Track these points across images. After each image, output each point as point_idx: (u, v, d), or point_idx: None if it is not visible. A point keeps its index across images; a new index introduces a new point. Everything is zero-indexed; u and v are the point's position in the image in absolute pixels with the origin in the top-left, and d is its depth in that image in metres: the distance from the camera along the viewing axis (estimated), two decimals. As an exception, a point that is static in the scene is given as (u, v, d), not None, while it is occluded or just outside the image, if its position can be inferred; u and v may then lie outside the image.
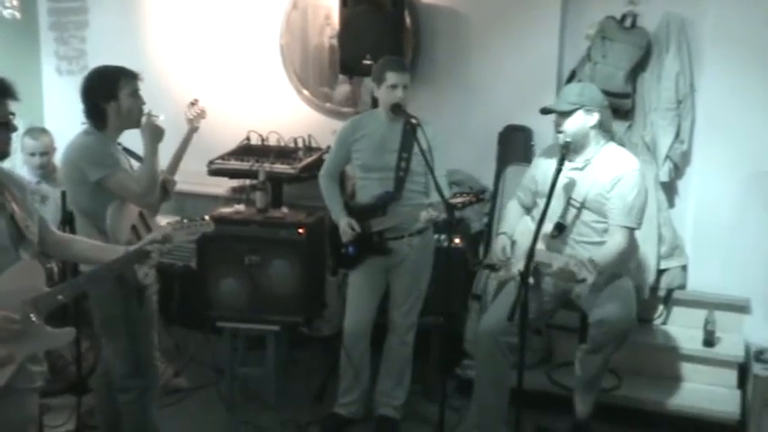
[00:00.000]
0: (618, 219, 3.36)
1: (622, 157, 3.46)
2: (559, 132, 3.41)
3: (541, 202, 3.42)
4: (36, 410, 2.55)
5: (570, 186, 3.41)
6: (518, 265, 3.28)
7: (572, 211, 3.41)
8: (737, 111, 4.24)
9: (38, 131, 4.58)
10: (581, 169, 3.42)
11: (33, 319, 2.42)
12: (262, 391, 4.25)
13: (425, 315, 3.95)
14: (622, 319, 3.35)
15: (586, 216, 3.42)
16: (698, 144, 4.38)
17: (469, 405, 3.77)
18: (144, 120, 3.26)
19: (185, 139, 3.89)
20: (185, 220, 2.88)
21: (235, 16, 5.33)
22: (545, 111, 3.47)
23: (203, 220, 2.93)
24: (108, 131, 3.21)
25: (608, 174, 3.37)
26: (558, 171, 3.23)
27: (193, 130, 3.96)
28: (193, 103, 4.03)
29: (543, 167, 3.56)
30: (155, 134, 3.25)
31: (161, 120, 3.32)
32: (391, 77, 3.68)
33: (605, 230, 3.40)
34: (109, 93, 3.16)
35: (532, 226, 3.48)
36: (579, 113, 3.37)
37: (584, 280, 3.05)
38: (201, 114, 4.02)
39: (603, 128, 3.46)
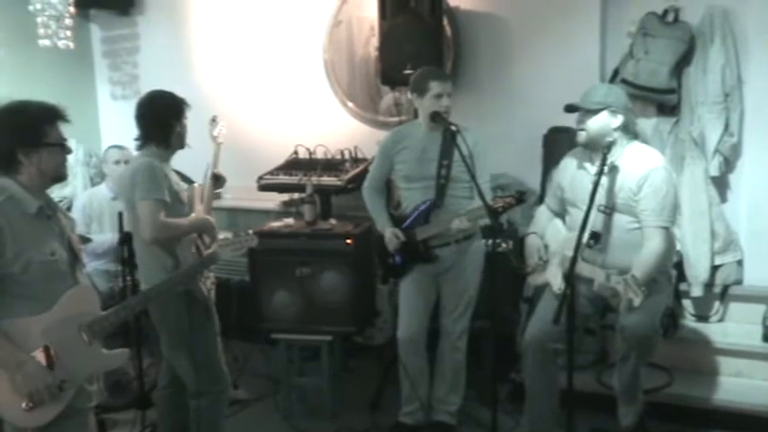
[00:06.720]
0: (651, 220, 3.29)
1: (647, 155, 3.39)
2: (581, 130, 3.38)
3: (572, 210, 3.43)
4: (94, 427, 2.69)
5: (598, 191, 3.33)
6: (552, 272, 3.27)
7: (604, 218, 3.36)
8: (788, 100, 4.15)
9: (117, 146, 4.76)
10: (607, 173, 3.35)
11: (90, 343, 2.54)
12: (318, 401, 4.31)
13: (475, 319, 3.95)
14: (642, 324, 3.26)
15: (619, 219, 3.36)
16: (748, 136, 4.30)
17: (522, 411, 3.75)
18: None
19: (215, 156, 3.92)
20: (230, 236, 2.95)
21: (279, 34, 5.45)
22: (570, 108, 3.42)
23: (247, 234, 2.99)
24: (167, 152, 3.35)
25: (633, 174, 3.32)
26: (600, 173, 3.21)
27: (218, 147, 3.99)
28: (215, 120, 4.02)
29: (568, 173, 3.54)
30: (209, 230, 3.35)
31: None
32: (436, 87, 3.69)
33: (639, 229, 3.33)
34: (176, 116, 3.33)
35: (563, 229, 3.50)
36: (604, 113, 3.34)
37: (630, 300, 3.01)
38: (222, 130, 4.03)
39: (627, 130, 3.41)
